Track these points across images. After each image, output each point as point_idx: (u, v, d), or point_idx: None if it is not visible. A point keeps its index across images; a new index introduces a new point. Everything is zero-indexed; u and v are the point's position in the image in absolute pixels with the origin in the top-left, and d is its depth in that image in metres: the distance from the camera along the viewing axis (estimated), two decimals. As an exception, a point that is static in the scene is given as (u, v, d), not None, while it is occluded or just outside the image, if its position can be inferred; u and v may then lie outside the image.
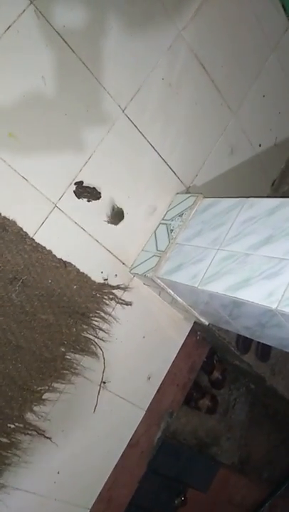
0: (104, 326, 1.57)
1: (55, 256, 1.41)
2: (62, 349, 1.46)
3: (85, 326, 1.50)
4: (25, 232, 1.34)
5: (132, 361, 1.70)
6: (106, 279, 1.56)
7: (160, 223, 1.69)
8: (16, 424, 1.39)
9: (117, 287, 1.59)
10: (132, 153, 1.57)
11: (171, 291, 1.57)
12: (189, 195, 1.68)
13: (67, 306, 1.44)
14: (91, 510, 1.66)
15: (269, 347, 2.06)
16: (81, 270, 1.47)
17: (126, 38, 1.47)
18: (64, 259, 1.43)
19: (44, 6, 1.27)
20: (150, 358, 1.76)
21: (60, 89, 1.35)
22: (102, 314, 1.55)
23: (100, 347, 1.56)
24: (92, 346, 1.53)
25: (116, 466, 1.70)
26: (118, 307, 1.61)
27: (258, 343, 2.01)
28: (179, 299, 1.59)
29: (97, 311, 1.54)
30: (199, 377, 2.18)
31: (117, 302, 1.60)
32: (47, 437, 1.46)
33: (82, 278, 1.48)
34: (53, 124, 1.36)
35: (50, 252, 1.39)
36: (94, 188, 1.47)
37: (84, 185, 1.45)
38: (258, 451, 2.74)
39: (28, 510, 1.48)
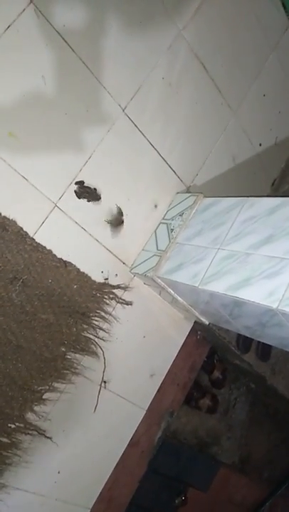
0: (105, 326, 1.57)
1: (55, 256, 1.40)
2: (63, 349, 1.46)
3: (85, 326, 1.50)
4: (26, 232, 1.33)
5: (132, 361, 1.70)
6: (106, 279, 1.56)
7: (160, 223, 1.69)
8: (17, 424, 1.39)
9: (118, 287, 1.59)
10: (132, 153, 1.57)
11: (172, 291, 1.56)
12: (190, 194, 1.68)
13: (68, 305, 1.44)
14: (91, 509, 1.66)
15: (269, 346, 2.06)
16: (81, 270, 1.47)
17: (126, 38, 1.46)
18: (64, 258, 1.43)
19: (44, 6, 1.27)
20: (150, 358, 1.76)
21: (60, 88, 1.35)
22: (103, 314, 1.55)
23: (100, 347, 1.55)
24: (93, 346, 1.53)
25: (116, 465, 1.70)
26: (118, 307, 1.61)
27: (259, 342, 2.01)
28: (179, 298, 1.59)
29: (98, 311, 1.54)
30: (200, 376, 2.18)
31: (118, 302, 1.60)
32: (47, 437, 1.46)
33: (83, 278, 1.48)
34: (53, 123, 1.35)
35: (50, 251, 1.39)
36: (94, 189, 1.47)
37: (85, 185, 1.45)
38: (259, 451, 2.74)
39: (28, 509, 1.48)
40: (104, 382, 1.59)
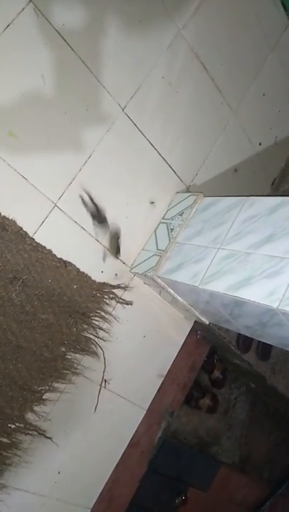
0: (105, 326, 1.57)
1: (55, 255, 1.40)
2: (63, 349, 1.46)
3: (85, 326, 1.50)
4: (25, 232, 1.33)
5: (132, 360, 1.69)
6: (106, 279, 1.56)
7: (160, 222, 1.69)
8: (17, 424, 1.39)
9: (118, 287, 1.58)
10: (132, 153, 1.56)
11: (172, 291, 1.56)
12: (189, 194, 1.68)
13: (68, 305, 1.44)
14: (92, 509, 1.66)
15: (269, 346, 2.06)
16: (81, 270, 1.47)
17: (125, 37, 1.46)
18: (64, 258, 1.43)
19: (43, 5, 1.27)
20: (151, 358, 1.76)
21: (59, 88, 1.34)
22: (103, 314, 1.55)
23: (100, 346, 1.55)
24: (93, 346, 1.53)
25: (117, 465, 1.70)
26: (118, 306, 1.61)
27: (259, 342, 2.01)
28: (179, 298, 1.59)
29: (98, 311, 1.53)
30: (200, 376, 2.18)
31: (118, 302, 1.60)
32: (47, 437, 1.46)
33: (83, 277, 1.48)
34: (52, 123, 1.35)
35: (50, 251, 1.39)
36: (103, 214, 1.49)
37: (94, 200, 1.46)
38: (259, 450, 2.74)
39: (28, 510, 1.48)
40: (105, 381, 1.59)
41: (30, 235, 1.34)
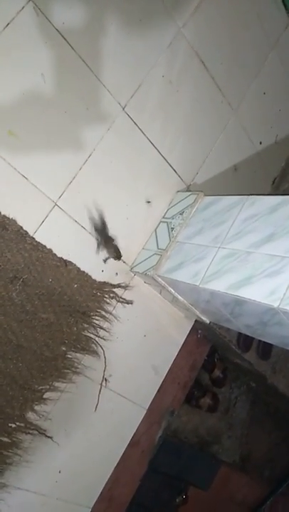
0: (105, 325, 1.57)
1: (55, 255, 1.40)
2: (63, 348, 1.46)
3: (85, 325, 1.50)
4: (26, 231, 1.33)
5: (132, 360, 1.69)
6: (106, 278, 1.56)
7: (161, 221, 1.68)
8: (17, 423, 1.39)
9: (118, 286, 1.58)
10: (132, 151, 1.56)
11: (172, 290, 1.56)
12: (190, 193, 1.68)
13: (68, 305, 1.44)
14: (92, 509, 1.66)
15: (270, 345, 2.06)
16: (82, 269, 1.47)
17: (125, 36, 1.46)
18: (64, 257, 1.42)
19: (43, 3, 1.27)
20: (151, 357, 1.76)
21: (59, 86, 1.34)
22: (103, 313, 1.55)
23: (100, 346, 1.55)
24: (93, 345, 1.53)
25: (117, 464, 1.70)
26: (119, 306, 1.60)
27: (259, 341, 2.01)
28: (179, 297, 1.59)
29: (98, 310, 1.53)
30: (200, 375, 2.18)
31: (118, 301, 1.60)
32: (48, 436, 1.46)
33: (83, 277, 1.47)
34: (52, 122, 1.35)
35: (50, 250, 1.39)
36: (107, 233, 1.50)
37: (107, 226, 1.49)
38: (259, 449, 2.74)
39: (29, 509, 1.48)
40: (105, 380, 1.59)
41: (31, 234, 1.34)
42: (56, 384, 1.46)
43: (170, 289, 1.55)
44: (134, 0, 1.45)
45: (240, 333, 1.91)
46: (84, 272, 1.47)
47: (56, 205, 1.40)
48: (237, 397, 2.56)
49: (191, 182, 1.77)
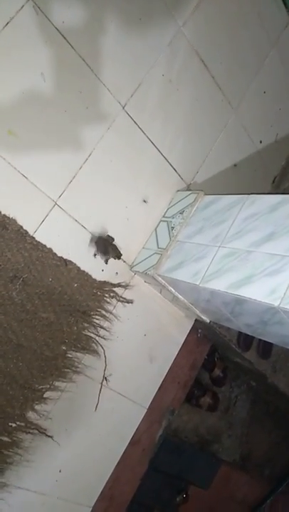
0: (106, 324, 1.56)
1: (55, 254, 1.40)
2: (64, 347, 1.46)
3: (86, 324, 1.50)
4: (26, 231, 1.33)
5: (133, 359, 1.69)
6: (106, 277, 1.55)
7: (161, 221, 1.68)
8: (18, 422, 1.39)
9: (118, 285, 1.58)
10: (132, 151, 1.56)
11: (172, 289, 1.56)
12: (190, 192, 1.67)
13: (68, 304, 1.44)
14: (93, 508, 1.66)
15: (270, 344, 2.06)
16: (82, 268, 1.47)
17: (125, 35, 1.45)
18: (64, 257, 1.42)
19: (43, 2, 1.26)
20: (151, 356, 1.76)
21: (59, 86, 1.34)
22: (103, 312, 1.55)
23: (101, 345, 1.55)
24: (94, 344, 1.53)
25: (118, 464, 1.70)
26: (119, 305, 1.60)
27: (260, 340, 2.01)
28: (180, 296, 1.59)
29: (98, 309, 1.53)
30: (200, 374, 2.18)
31: (118, 300, 1.59)
32: (48, 436, 1.46)
33: (83, 276, 1.47)
34: (52, 121, 1.35)
35: (50, 250, 1.39)
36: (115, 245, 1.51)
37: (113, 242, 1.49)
38: (259, 448, 2.74)
39: (29, 508, 1.48)
40: (106, 380, 1.59)
41: (31, 233, 1.34)
42: (56, 383, 1.46)
43: (170, 288, 1.55)
44: (134, -1, 1.45)
45: (240, 332, 1.91)
46: (84, 271, 1.47)
47: (56, 204, 1.39)
48: (237, 396, 2.56)
49: (191, 181, 1.77)
